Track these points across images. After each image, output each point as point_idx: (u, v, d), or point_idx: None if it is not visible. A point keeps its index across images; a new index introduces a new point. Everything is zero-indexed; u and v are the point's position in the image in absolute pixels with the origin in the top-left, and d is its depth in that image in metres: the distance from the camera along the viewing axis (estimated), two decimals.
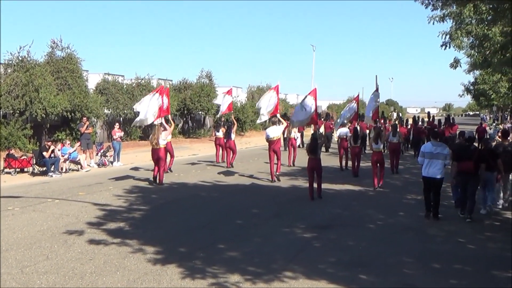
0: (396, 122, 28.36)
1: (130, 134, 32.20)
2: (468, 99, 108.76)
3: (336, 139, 24.24)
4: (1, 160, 18.42)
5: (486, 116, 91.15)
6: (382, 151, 16.41)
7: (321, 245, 9.15)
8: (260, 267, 7.64)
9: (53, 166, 17.70)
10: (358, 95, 22.57)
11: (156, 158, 15.86)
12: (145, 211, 11.84)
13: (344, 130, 20.33)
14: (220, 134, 21.69)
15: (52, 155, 17.82)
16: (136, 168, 19.83)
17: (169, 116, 17.21)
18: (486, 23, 16.18)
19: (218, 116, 23.32)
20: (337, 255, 8.43)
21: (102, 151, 21.01)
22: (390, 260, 8.22)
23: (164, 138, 16.22)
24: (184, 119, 38.95)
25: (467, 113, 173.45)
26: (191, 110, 37.05)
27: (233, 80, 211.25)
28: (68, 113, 25.35)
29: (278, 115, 17.79)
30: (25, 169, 18.36)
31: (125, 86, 32.40)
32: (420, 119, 31.91)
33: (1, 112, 23.38)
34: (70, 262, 7.80)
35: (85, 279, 7.10)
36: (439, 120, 30.35)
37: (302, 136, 29.13)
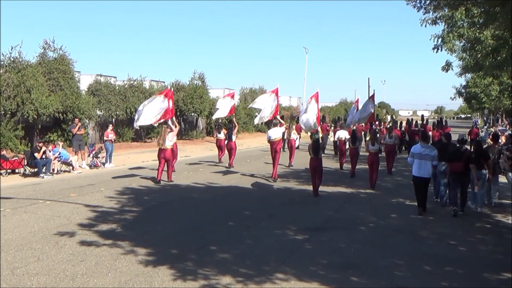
0: (390, 124, 28.90)
1: (122, 136, 32.15)
2: (459, 102, 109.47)
3: (332, 141, 24.69)
4: None
5: (477, 119, 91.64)
6: (378, 152, 16.80)
7: (312, 247, 9.17)
8: (251, 269, 7.65)
9: (44, 167, 17.63)
10: (358, 100, 23.50)
11: (163, 157, 16.46)
12: (137, 212, 11.81)
13: (343, 133, 20.95)
14: (222, 135, 22.43)
15: (44, 156, 17.75)
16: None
17: (174, 118, 17.61)
18: (478, 26, 16.27)
19: (216, 117, 24.08)
20: (329, 257, 8.45)
21: (94, 152, 20.95)
22: (382, 262, 8.24)
23: (170, 139, 16.69)
24: (177, 120, 38.97)
25: (458, 116, 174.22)
26: (184, 111, 37.05)
27: (226, 82, 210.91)
28: (60, 114, 25.29)
29: (279, 117, 18.45)
30: (17, 170, 18.27)
31: (117, 88, 32.38)
32: (414, 122, 32.31)
33: None
34: (61, 264, 7.77)
35: (76, 280, 7.08)
36: (433, 123, 31.11)
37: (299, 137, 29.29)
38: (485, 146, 16.08)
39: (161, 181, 16.29)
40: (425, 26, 16.07)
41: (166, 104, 16.57)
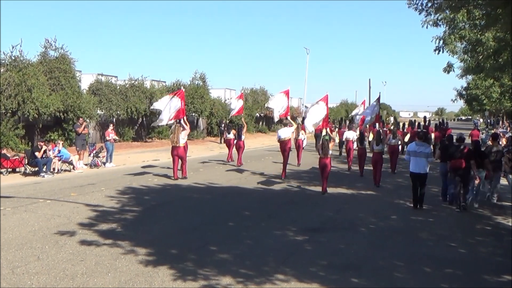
0: (393, 126, 29.55)
1: (123, 135, 32.15)
2: (460, 104, 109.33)
3: (336, 142, 25.08)
4: None
5: (478, 120, 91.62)
6: (382, 152, 17.48)
7: (312, 248, 9.17)
8: (251, 270, 7.65)
9: (45, 167, 17.63)
10: (364, 101, 24.06)
11: (176, 154, 17.31)
12: (137, 212, 11.83)
13: (351, 133, 22.04)
14: (231, 135, 23.40)
15: (44, 156, 17.76)
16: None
17: (185, 118, 18.44)
18: (479, 28, 16.28)
19: (229, 117, 25.96)
20: (329, 258, 8.45)
21: (94, 152, 20.95)
22: (381, 264, 8.25)
23: (183, 137, 17.53)
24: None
25: (459, 117, 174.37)
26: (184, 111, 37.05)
27: (227, 82, 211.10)
28: (61, 114, 25.29)
29: (289, 117, 19.56)
30: (17, 169, 18.29)
31: (118, 87, 32.37)
32: (417, 123, 32.63)
33: None
34: (61, 263, 7.78)
35: (76, 280, 7.08)
36: (435, 124, 31.82)
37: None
38: (484, 147, 16.31)
39: (178, 178, 17.10)
40: (427, 27, 16.12)
41: (179, 104, 17.54)
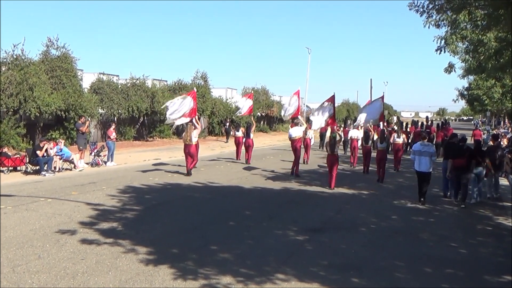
0: (395, 125, 30.68)
1: (124, 134, 32.17)
2: (462, 104, 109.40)
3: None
4: None
5: (479, 121, 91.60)
6: (387, 150, 18.62)
7: (313, 248, 9.17)
8: (252, 269, 7.65)
9: (46, 165, 17.64)
10: (368, 101, 24.82)
11: (188, 152, 18.18)
12: (138, 211, 11.82)
13: (356, 132, 23.53)
14: (240, 133, 24.46)
15: (45, 154, 17.77)
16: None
17: (196, 117, 19.21)
18: (481, 28, 16.25)
19: (238, 115, 26.51)
20: (329, 258, 8.45)
21: (96, 150, 20.94)
22: (382, 264, 8.25)
23: (195, 135, 18.41)
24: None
25: (460, 118, 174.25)
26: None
27: (228, 81, 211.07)
28: (62, 112, 25.30)
29: (300, 117, 20.49)
30: (18, 168, 18.30)
31: (119, 86, 32.39)
32: (420, 123, 33.36)
33: None
34: (62, 262, 7.78)
35: (77, 279, 7.08)
36: (437, 124, 32.39)
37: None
38: (486, 147, 16.60)
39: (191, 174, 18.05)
40: (428, 27, 16.06)
41: (192, 104, 18.22)
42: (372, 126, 22.72)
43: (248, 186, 16.03)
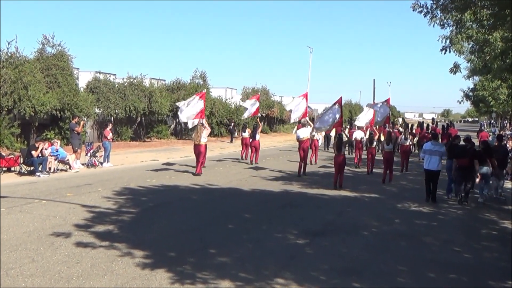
0: (401, 127, 31.62)
1: (121, 135, 32.19)
2: (467, 105, 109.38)
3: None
4: None
5: (484, 122, 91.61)
6: (393, 151, 19.23)
7: (313, 251, 9.18)
8: (251, 273, 7.65)
9: (40, 166, 17.64)
10: (374, 101, 25.44)
11: (198, 152, 19.06)
12: (134, 213, 11.83)
13: (360, 133, 24.38)
14: (246, 134, 24.99)
15: (40, 155, 17.76)
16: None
17: (205, 119, 19.93)
18: (487, 28, 16.26)
19: (244, 117, 26.83)
20: (330, 262, 8.45)
21: (92, 151, 20.93)
22: (384, 268, 8.25)
23: (205, 136, 19.25)
24: (177, 119, 38.93)
25: (465, 119, 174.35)
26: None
27: (228, 81, 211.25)
28: (58, 112, 25.31)
29: (307, 119, 21.23)
30: (12, 169, 18.30)
31: (116, 85, 32.43)
32: (426, 125, 34.21)
33: None
34: (57, 265, 7.78)
35: (72, 282, 7.09)
36: (442, 126, 33.07)
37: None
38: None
39: (201, 173, 18.80)
40: (433, 26, 16.06)
41: (201, 105, 19.07)
42: (377, 127, 23.16)
43: (247, 188, 16.04)
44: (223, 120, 41.84)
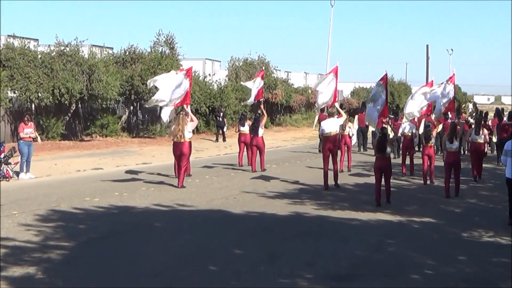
0: (470, 117, 30.92)
1: (47, 131, 31.96)
2: None
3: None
4: None
5: None
6: (459, 151, 19.45)
7: None
8: None
9: None
10: (432, 81, 25.68)
11: (179, 153, 19.33)
12: (67, 249, 11.79)
13: (409, 125, 24.04)
14: (246, 128, 25.16)
15: None
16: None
17: (189, 106, 20.10)
18: None
19: (248, 103, 28.21)
20: None
21: (2, 156, 20.82)
22: None
23: (190, 130, 19.44)
24: (131, 108, 38.63)
25: None
26: (142, 94, 36.56)
27: (207, 50, 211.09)
28: None
29: (337, 105, 21.44)
30: None
31: (40, 56, 32.30)
32: (507, 113, 32.89)
33: None
34: None
35: None
36: None
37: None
38: None
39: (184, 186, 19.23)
40: None
41: (187, 86, 19.51)
42: (436, 119, 23.04)
43: (237, 211, 16.02)
44: (200, 108, 40.80)
